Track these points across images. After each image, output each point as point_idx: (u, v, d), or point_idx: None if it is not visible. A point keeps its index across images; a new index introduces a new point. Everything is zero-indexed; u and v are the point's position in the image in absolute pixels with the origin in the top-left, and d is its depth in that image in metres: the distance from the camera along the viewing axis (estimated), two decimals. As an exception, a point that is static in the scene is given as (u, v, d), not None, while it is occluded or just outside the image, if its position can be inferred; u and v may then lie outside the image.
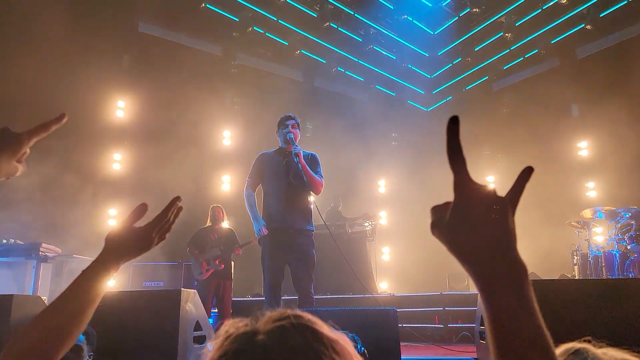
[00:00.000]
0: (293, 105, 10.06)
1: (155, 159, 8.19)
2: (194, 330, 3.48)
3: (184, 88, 8.51)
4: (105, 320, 3.28)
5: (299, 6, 8.75)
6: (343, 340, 0.65)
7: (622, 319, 3.00)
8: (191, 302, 3.51)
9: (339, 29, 9.30)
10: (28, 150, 1.00)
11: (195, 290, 3.64)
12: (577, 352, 0.74)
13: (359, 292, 7.16)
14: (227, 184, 9.09)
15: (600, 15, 8.26)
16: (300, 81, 10.25)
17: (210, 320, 6.12)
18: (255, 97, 9.44)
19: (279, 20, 8.95)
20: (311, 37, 9.37)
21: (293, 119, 4.39)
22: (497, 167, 10.45)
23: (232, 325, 0.67)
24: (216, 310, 6.33)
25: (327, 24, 8.81)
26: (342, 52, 9.81)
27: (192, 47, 9.00)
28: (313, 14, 8.85)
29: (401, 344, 3.52)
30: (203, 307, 3.73)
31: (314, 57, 9.73)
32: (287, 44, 9.21)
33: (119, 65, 8.21)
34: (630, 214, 6.52)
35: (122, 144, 8.07)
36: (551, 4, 8.44)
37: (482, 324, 3.79)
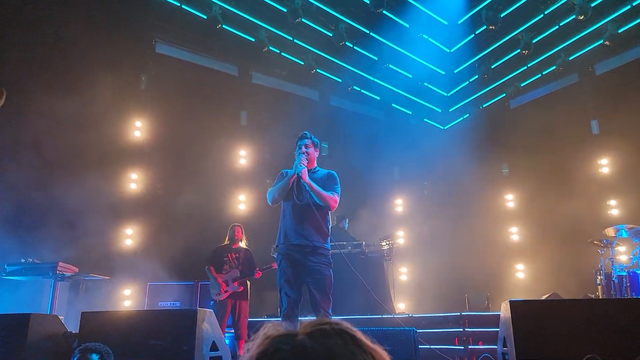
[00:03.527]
0: (309, 125, 10.11)
1: (171, 178, 8.26)
2: (210, 351, 3.44)
3: (200, 108, 8.62)
4: (121, 339, 3.26)
5: (314, 25, 8.84)
6: (381, 350, 0.67)
7: (633, 337, 2.89)
8: (207, 322, 3.48)
9: (355, 47, 9.36)
10: None
11: (212, 310, 3.61)
12: None
13: (377, 312, 7.06)
14: (243, 203, 9.10)
15: (619, 31, 8.17)
16: (316, 100, 10.31)
17: (227, 341, 6.07)
18: (271, 116, 9.50)
19: (295, 40, 9.05)
20: (327, 56, 9.44)
21: (308, 138, 4.39)
22: (516, 186, 10.29)
23: (272, 328, 0.67)
24: (232, 331, 6.29)
25: (343, 43, 8.87)
26: (357, 71, 9.85)
27: (209, 68, 9.14)
28: (329, 33, 8.93)
29: (421, 366, 3.42)
30: (219, 327, 3.69)
31: (330, 76, 9.79)
32: (302, 63, 9.29)
33: (137, 85, 8.35)
34: (655, 232, 6.34)
35: (140, 164, 8.15)
36: (569, 20, 8.38)
37: (504, 345, 3.68)
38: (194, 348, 3.17)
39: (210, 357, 3.39)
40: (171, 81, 8.49)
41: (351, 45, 9.28)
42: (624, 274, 6.49)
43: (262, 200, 8.92)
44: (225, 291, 6.11)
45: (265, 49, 8.75)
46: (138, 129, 8.20)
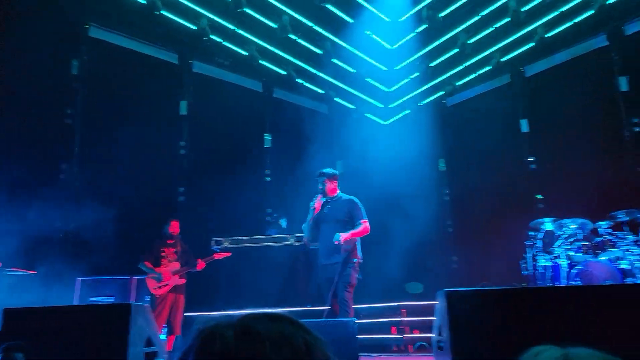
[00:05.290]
0: (252, 116, 10.01)
1: (107, 169, 7.89)
2: (145, 347, 3.32)
3: (137, 96, 8.29)
4: (48, 337, 3.08)
5: (258, 16, 8.72)
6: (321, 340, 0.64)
7: (565, 324, 3.09)
8: (142, 317, 3.36)
9: (299, 40, 9.33)
10: None
11: (148, 305, 3.49)
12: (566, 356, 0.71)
13: (316, 304, 7.13)
14: (182, 195, 8.85)
15: (548, 35, 8.64)
16: (259, 92, 10.19)
17: (163, 337, 5.92)
18: (212, 106, 9.29)
19: (238, 30, 8.88)
20: (270, 48, 9.34)
21: (321, 175, 5.24)
22: (452, 182, 10.69)
23: (208, 321, 0.63)
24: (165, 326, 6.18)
25: (287, 35, 8.81)
26: (301, 64, 9.83)
27: (147, 55, 8.79)
28: (273, 25, 8.84)
29: (360, 355, 3.48)
30: (155, 322, 3.58)
31: (274, 67, 9.70)
32: (246, 54, 9.14)
33: (67, 70, 7.87)
34: (576, 225, 6.79)
35: (70, 154, 7.71)
36: (502, 23, 8.78)
37: (439, 334, 3.81)
38: (127, 344, 3.05)
39: (145, 353, 3.27)
40: (106, 67, 8.10)
41: (295, 38, 9.24)
42: (549, 264, 6.92)
43: (201, 192, 8.76)
44: (167, 284, 6.01)
45: (207, 38, 8.53)
46: (68, 116, 7.75)
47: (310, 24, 9.16)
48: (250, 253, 7.53)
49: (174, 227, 6.42)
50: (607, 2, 7.91)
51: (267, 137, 10.05)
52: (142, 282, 6.68)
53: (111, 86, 8.13)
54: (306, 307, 7.28)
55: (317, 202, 5.01)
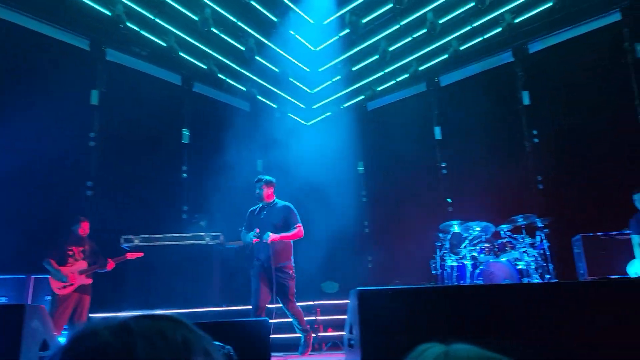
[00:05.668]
0: (169, 109, 9.64)
1: (7, 159, 7.23)
2: (40, 350, 3.08)
3: (43, 82, 7.69)
4: None
5: (179, 6, 8.43)
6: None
7: (468, 320, 3.28)
8: (38, 319, 3.11)
9: (221, 35, 9.14)
10: None
11: (44, 306, 3.25)
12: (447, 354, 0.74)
13: (232, 304, 7.05)
14: (90, 190, 8.32)
15: (461, 48, 9.16)
16: (178, 85, 9.84)
17: (63, 340, 5.55)
18: (127, 97, 8.82)
19: (157, 19, 8.53)
20: (192, 41, 9.05)
21: (259, 180, 5.61)
22: (369, 184, 11.00)
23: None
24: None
25: (209, 28, 8.59)
26: (224, 59, 9.62)
27: (55, 39, 8.17)
28: (195, 17, 8.58)
29: (273, 355, 3.47)
30: (52, 324, 3.33)
31: (194, 61, 9.41)
32: (165, 45, 8.78)
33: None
34: (480, 227, 7.26)
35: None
36: (420, 33, 9.18)
37: (350, 332, 3.89)
38: (19, 347, 2.81)
39: (40, 357, 3.03)
40: (8, 49, 7.43)
41: (218, 32, 9.04)
42: (455, 264, 7.34)
43: (111, 186, 8.28)
44: (72, 284, 5.72)
45: (123, 25, 8.10)
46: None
47: (234, 19, 9.01)
48: (163, 252, 7.25)
49: (84, 227, 6.21)
50: (515, 22, 8.54)
51: (186, 132, 9.73)
52: (40, 281, 6.26)
53: (14, 70, 7.49)
54: (221, 307, 7.15)
55: (254, 240, 5.37)
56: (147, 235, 7.35)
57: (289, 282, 5.37)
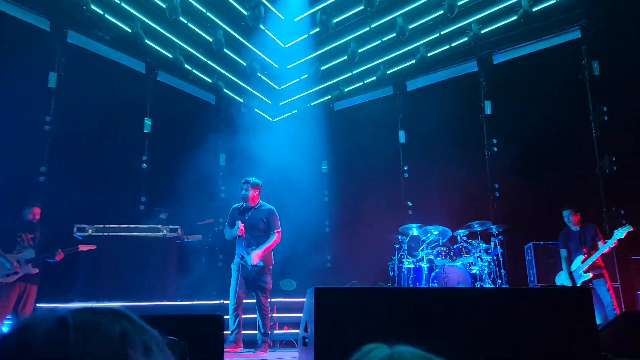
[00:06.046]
0: (132, 96, 9.38)
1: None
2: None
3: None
4: None
5: (147, -7, 8.23)
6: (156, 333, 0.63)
7: (420, 321, 3.35)
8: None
9: (189, 24, 8.97)
10: None
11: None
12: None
13: (187, 298, 6.94)
14: (43, 175, 8.00)
15: (428, 55, 9.32)
16: (142, 73, 9.59)
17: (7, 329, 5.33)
18: (87, 82, 8.54)
19: (122, 3, 8.28)
20: (158, 28, 8.84)
21: (246, 182, 5.71)
22: (333, 185, 11.04)
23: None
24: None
25: (177, 17, 8.41)
26: (190, 49, 9.44)
27: (12, 16, 7.81)
28: (162, 4, 8.38)
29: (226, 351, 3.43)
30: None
31: (160, 49, 9.18)
32: (130, 30, 8.53)
33: None
34: (438, 231, 7.42)
35: None
36: (389, 37, 9.28)
37: (305, 329, 3.90)
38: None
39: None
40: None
41: (185, 22, 8.87)
42: (412, 266, 7.48)
43: (66, 173, 7.99)
44: (16, 272, 5.48)
45: (86, 7, 7.84)
46: None
47: (203, 9, 8.85)
48: (117, 243, 7.06)
49: (35, 213, 6.00)
50: (481, 32, 8.75)
51: (147, 122, 9.49)
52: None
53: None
54: (175, 301, 7.03)
55: (240, 231, 5.49)
56: (101, 225, 7.15)
57: (267, 277, 5.66)
